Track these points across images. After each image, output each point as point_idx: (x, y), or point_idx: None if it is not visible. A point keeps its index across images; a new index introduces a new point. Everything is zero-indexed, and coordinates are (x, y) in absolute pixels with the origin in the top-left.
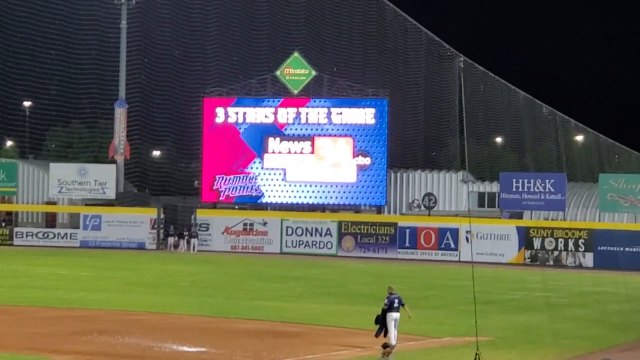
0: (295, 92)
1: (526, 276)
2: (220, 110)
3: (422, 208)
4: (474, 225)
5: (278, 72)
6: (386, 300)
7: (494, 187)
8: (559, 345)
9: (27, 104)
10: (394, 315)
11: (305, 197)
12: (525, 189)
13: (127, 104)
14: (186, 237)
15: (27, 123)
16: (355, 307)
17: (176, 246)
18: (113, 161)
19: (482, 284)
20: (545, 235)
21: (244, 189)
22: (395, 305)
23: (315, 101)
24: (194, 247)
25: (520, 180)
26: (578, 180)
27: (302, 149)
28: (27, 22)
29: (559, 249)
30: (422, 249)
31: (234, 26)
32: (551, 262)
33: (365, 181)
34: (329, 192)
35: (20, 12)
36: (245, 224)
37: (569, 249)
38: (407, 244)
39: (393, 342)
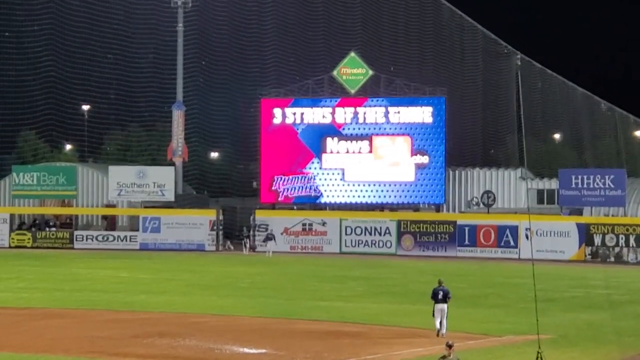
0: (353, 91)
1: (587, 273)
2: (277, 111)
3: (481, 206)
4: (534, 222)
5: (335, 72)
6: (431, 293)
7: (553, 184)
8: (621, 343)
9: (85, 107)
10: (439, 306)
11: (363, 196)
12: (585, 186)
13: (184, 106)
14: (244, 239)
15: (86, 127)
16: (416, 307)
17: (253, 248)
18: (171, 163)
19: (543, 281)
20: (606, 232)
21: (302, 189)
22: (440, 297)
23: (372, 100)
24: (269, 252)
25: (580, 177)
26: (638, 176)
27: (360, 148)
28: (85, 27)
29: (620, 245)
30: (481, 247)
31: (290, 27)
32: (612, 259)
33: (424, 180)
34: (387, 191)
35: (78, 17)
36: (304, 224)
37: (630, 245)
38: (466, 242)
39: (441, 330)
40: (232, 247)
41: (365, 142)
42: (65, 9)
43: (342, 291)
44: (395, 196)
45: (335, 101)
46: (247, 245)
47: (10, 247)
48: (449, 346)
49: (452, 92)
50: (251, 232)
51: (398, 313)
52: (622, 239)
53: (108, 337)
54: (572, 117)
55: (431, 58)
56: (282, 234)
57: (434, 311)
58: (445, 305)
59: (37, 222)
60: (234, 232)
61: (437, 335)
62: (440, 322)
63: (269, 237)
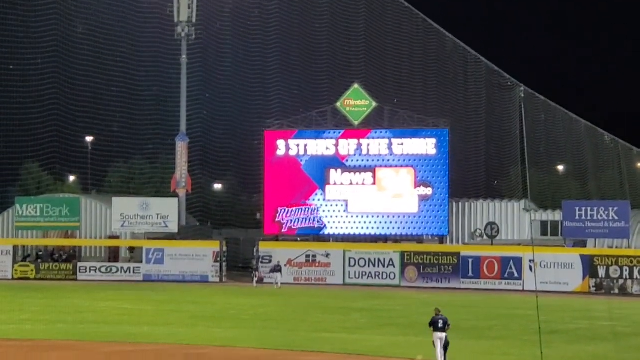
0: (356, 123)
1: (591, 305)
2: (281, 143)
3: (485, 237)
4: (538, 254)
5: (338, 104)
6: (430, 321)
7: (557, 216)
8: None
9: (89, 139)
10: (439, 334)
11: (367, 228)
12: (589, 217)
13: (188, 137)
14: (254, 272)
15: (89, 158)
16: (420, 338)
17: (261, 280)
18: (175, 195)
19: (547, 313)
20: (610, 264)
21: (306, 220)
22: (440, 325)
23: (376, 132)
24: (277, 282)
25: (584, 209)
26: None
27: (364, 180)
28: (89, 59)
29: (624, 277)
30: (485, 279)
31: (294, 58)
32: (616, 291)
33: (427, 211)
34: (391, 222)
35: (82, 50)
36: (307, 256)
37: (635, 277)
38: (470, 274)
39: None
40: (262, 278)
41: (369, 174)
42: (69, 43)
43: (346, 323)
44: (398, 228)
45: (339, 133)
46: (256, 277)
47: (13, 278)
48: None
49: (455, 123)
50: (258, 264)
51: (402, 345)
52: (626, 270)
53: None
54: (576, 149)
55: (434, 90)
56: (285, 265)
57: (434, 340)
58: (444, 334)
59: (40, 253)
60: (238, 263)
61: None
62: (437, 353)
63: (277, 269)
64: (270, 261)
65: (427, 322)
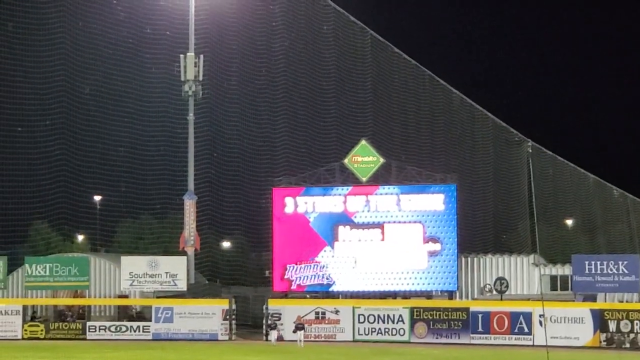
0: (364, 179)
1: (602, 359)
2: (289, 200)
3: (494, 292)
4: (547, 308)
5: (346, 161)
6: None
7: (567, 270)
8: None
9: (97, 198)
10: None
11: (376, 284)
12: (599, 271)
13: (196, 195)
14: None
15: (97, 217)
16: None
17: (281, 338)
18: (183, 253)
19: None
20: (621, 318)
21: (315, 277)
22: None
23: (384, 188)
24: (301, 341)
25: (593, 263)
26: None
27: (373, 236)
28: (96, 119)
29: (635, 331)
30: (495, 334)
31: (301, 115)
32: (627, 345)
33: (436, 267)
34: (400, 278)
35: (90, 111)
36: (317, 313)
37: None
38: (480, 329)
39: None
40: (283, 337)
41: (378, 230)
42: (76, 104)
43: None
44: (407, 284)
45: (347, 189)
46: (276, 335)
47: (23, 338)
48: None
49: (463, 178)
50: (278, 321)
51: None
52: (637, 324)
53: None
54: (584, 203)
55: (442, 145)
56: (294, 322)
57: None
58: None
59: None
60: (247, 321)
61: None
62: None
63: (299, 327)
64: (279, 318)
65: None
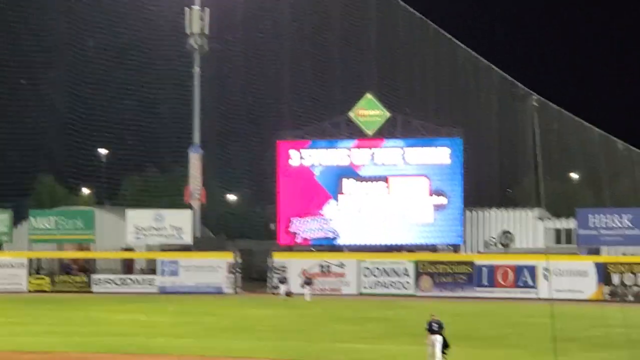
0: (370, 133)
1: (606, 312)
2: (294, 153)
3: (499, 246)
4: (552, 262)
5: (352, 114)
6: (426, 325)
7: (571, 224)
8: None
9: (102, 151)
10: (434, 337)
11: (381, 237)
12: (603, 225)
13: (201, 149)
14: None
15: (103, 170)
16: None
17: (289, 293)
18: (189, 206)
19: (562, 321)
20: (624, 271)
21: (320, 230)
22: (435, 328)
23: (389, 141)
24: (308, 295)
25: (597, 216)
26: None
27: (378, 189)
28: (102, 71)
29: (639, 284)
30: (499, 287)
31: (306, 69)
32: (631, 298)
33: (442, 220)
34: (405, 232)
35: (95, 62)
36: (322, 266)
37: None
38: (484, 283)
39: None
40: (291, 293)
41: (383, 184)
42: (81, 55)
43: (361, 333)
44: (413, 237)
45: (352, 142)
46: (285, 290)
47: (29, 291)
48: None
49: (468, 132)
50: (285, 276)
51: (417, 354)
52: None
53: None
54: (589, 157)
55: (447, 99)
56: (299, 275)
57: (428, 342)
58: (437, 336)
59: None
60: (252, 274)
61: None
62: (434, 353)
63: (307, 282)
64: (284, 271)
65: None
